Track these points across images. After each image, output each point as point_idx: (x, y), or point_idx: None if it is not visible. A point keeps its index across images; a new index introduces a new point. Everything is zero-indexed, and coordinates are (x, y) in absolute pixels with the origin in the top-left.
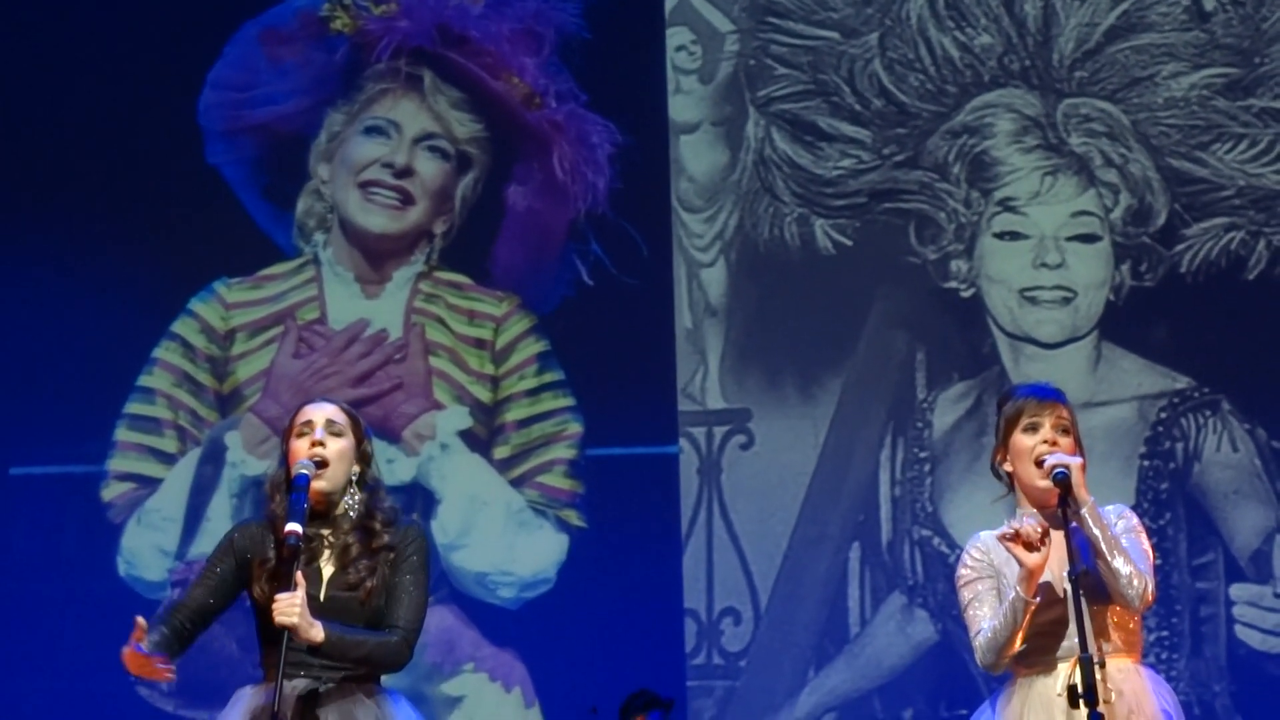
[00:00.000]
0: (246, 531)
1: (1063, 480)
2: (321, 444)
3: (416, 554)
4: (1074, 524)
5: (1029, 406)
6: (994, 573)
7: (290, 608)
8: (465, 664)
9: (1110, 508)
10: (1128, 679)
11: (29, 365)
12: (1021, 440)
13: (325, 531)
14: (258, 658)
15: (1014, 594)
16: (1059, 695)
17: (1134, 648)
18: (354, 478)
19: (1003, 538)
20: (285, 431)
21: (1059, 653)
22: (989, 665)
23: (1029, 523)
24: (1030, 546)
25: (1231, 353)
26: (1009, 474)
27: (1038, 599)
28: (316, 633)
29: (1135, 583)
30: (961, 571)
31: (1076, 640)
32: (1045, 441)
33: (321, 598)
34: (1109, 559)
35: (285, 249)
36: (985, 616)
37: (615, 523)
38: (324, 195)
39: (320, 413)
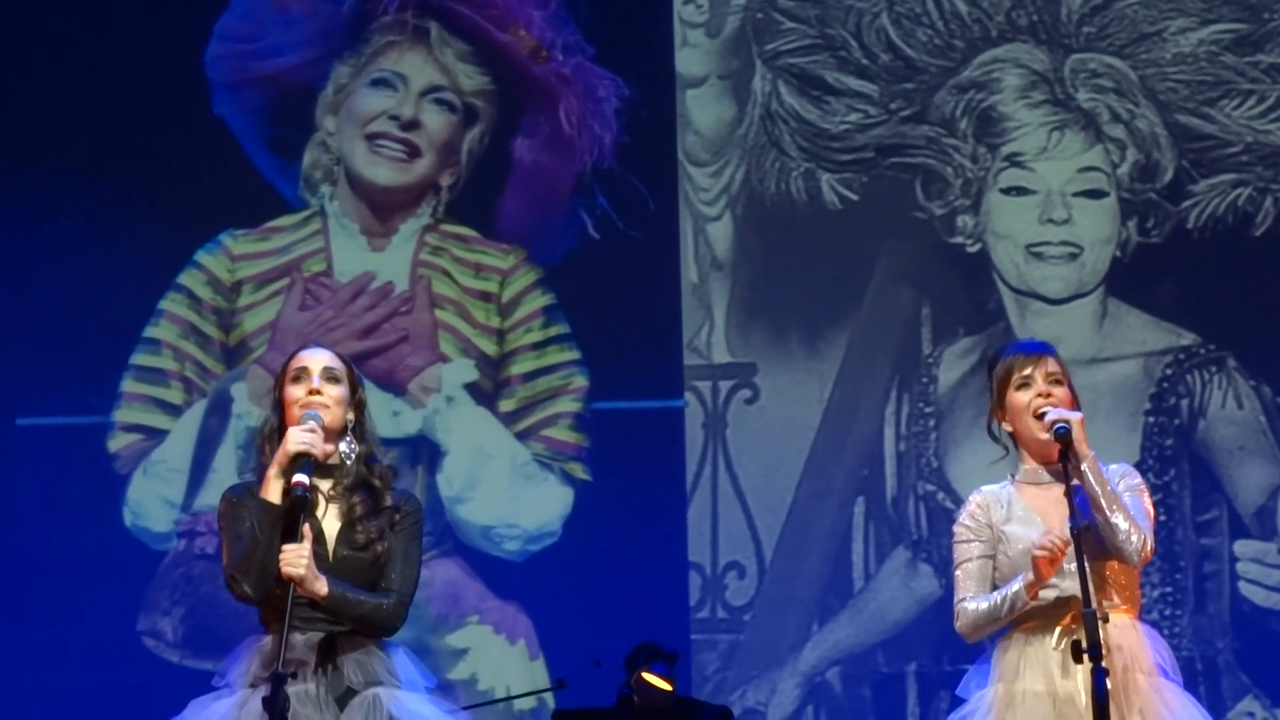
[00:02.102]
0: (250, 490)
1: (1063, 436)
2: (319, 391)
3: (415, 524)
4: (1075, 480)
5: (1018, 363)
6: (989, 535)
7: (298, 559)
8: (470, 616)
9: (1114, 466)
10: (1124, 634)
11: (35, 316)
12: (1017, 397)
13: (324, 484)
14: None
15: (1017, 590)
16: (1055, 650)
17: (1133, 604)
18: (349, 425)
19: (1040, 549)
20: (278, 378)
21: (1057, 607)
22: (966, 637)
23: (1053, 540)
24: (1054, 560)
25: (1238, 309)
26: (1010, 433)
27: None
28: (321, 586)
29: (1134, 538)
30: (957, 529)
31: (1075, 595)
32: (1040, 395)
33: (330, 557)
34: (1107, 514)
35: (291, 201)
36: (972, 586)
37: (620, 476)
38: (330, 147)
39: (316, 359)
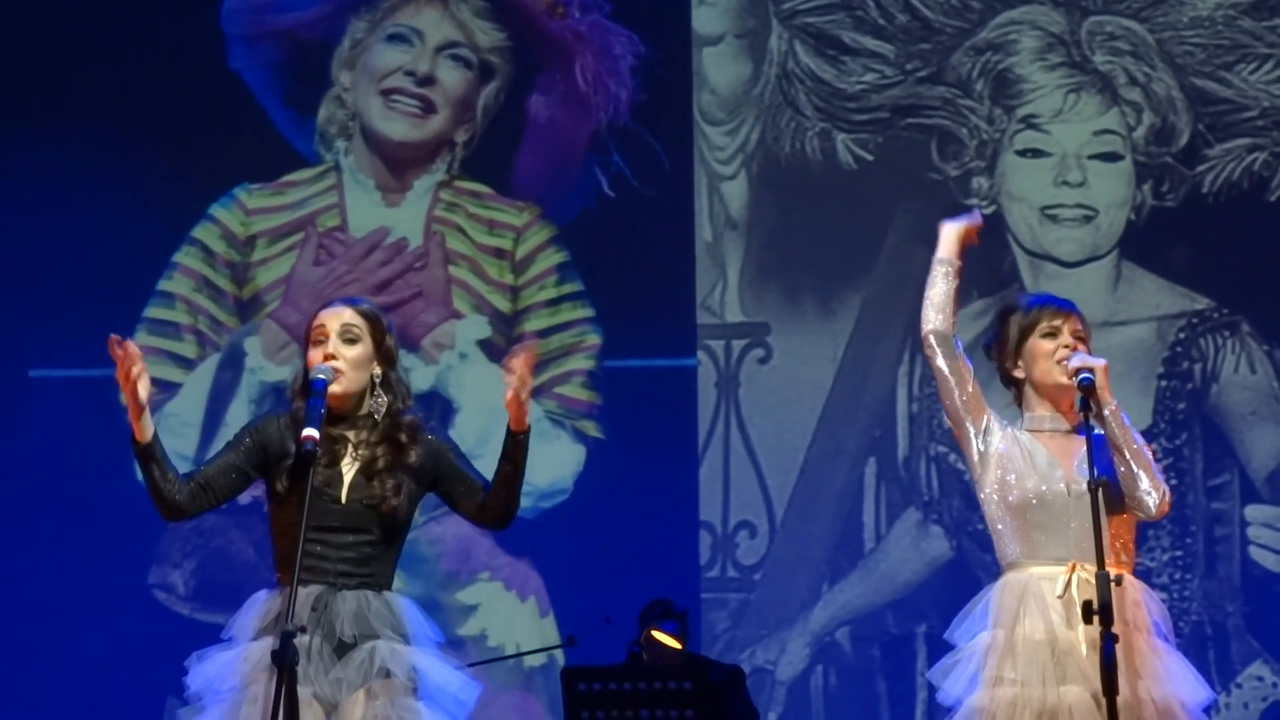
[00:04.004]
0: (269, 424)
1: (1088, 385)
2: (334, 356)
3: (447, 446)
4: (1095, 431)
5: (1048, 313)
6: (992, 418)
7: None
8: (481, 573)
9: None
10: (1122, 591)
11: (49, 268)
12: (1041, 344)
13: (349, 433)
14: (271, 560)
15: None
16: (1059, 598)
17: (1129, 560)
18: (375, 379)
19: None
20: (304, 335)
21: (1059, 555)
22: (924, 325)
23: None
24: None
25: (1252, 274)
26: (1019, 379)
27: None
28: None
29: (1154, 492)
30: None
31: (1075, 546)
32: (1065, 346)
33: (343, 500)
34: (1131, 463)
35: (307, 156)
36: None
37: (632, 434)
38: (346, 102)
39: (335, 319)
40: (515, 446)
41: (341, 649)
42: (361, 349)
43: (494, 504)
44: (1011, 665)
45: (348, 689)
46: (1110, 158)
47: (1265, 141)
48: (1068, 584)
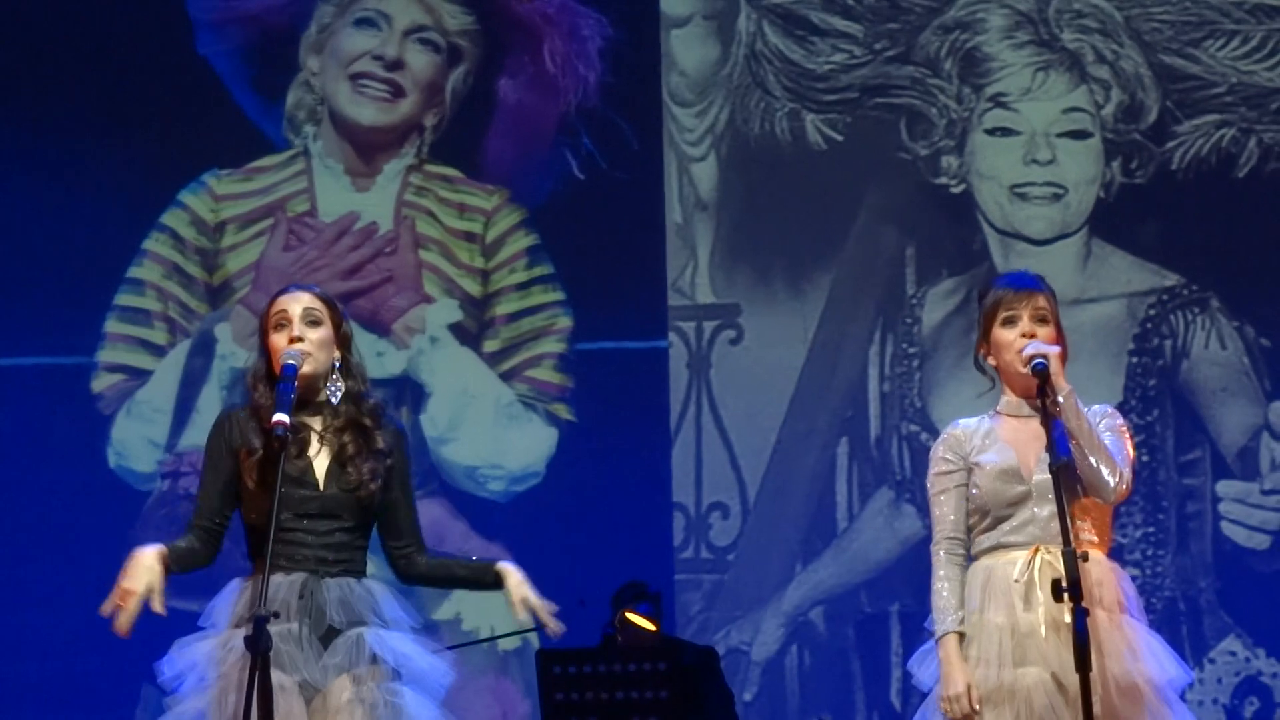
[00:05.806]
0: (232, 419)
1: (1041, 371)
2: (300, 339)
3: (406, 461)
4: (1056, 416)
5: (1005, 299)
6: (965, 466)
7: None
8: None
9: (1096, 407)
10: (1090, 569)
11: (18, 255)
12: (1001, 334)
13: (311, 421)
14: (245, 549)
15: (949, 632)
16: (1018, 582)
17: (1104, 540)
18: (336, 364)
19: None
20: (262, 321)
21: (1020, 538)
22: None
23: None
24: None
25: (1221, 250)
26: (994, 366)
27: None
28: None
29: (1105, 474)
30: (935, 459)
31: (1041, 531)
32: (1024, 335)
33: (321, 487)
34: (1084, 448)
35: (275, 141)
36: (949, 515)
37: (604, 417)
38: (314, 87)
39: (296, 303)
40: (483, 587)
41: (327, 636)
42: (325, 331)
43: (420, 573)
44: (976, 650)
45: (334, 673)
46: (1079, 135)
47: (1233, 117)
48: (1028, 565)
